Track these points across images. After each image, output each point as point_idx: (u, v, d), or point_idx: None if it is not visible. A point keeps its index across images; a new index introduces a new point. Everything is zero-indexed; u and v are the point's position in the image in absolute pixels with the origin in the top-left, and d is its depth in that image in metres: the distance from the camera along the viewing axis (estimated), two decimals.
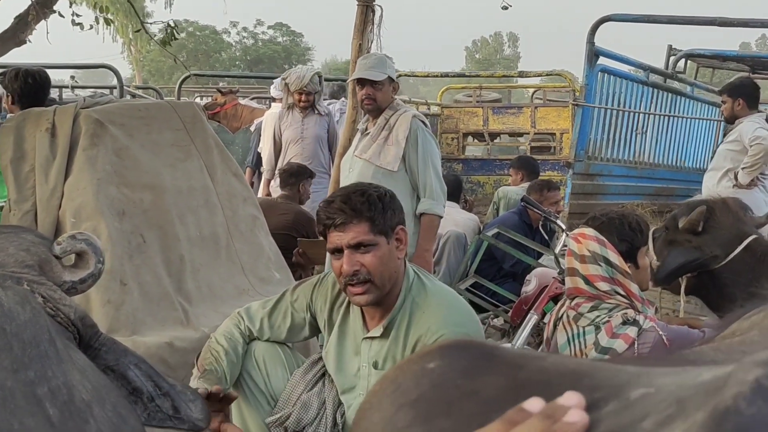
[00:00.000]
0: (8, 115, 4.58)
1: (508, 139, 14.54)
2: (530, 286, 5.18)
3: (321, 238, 5.58)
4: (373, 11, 6.03)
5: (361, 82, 4.91)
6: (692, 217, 3.97)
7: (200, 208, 4.07)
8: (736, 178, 6.23)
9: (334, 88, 9.99)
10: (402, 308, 2.87)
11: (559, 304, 3.49)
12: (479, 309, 5.73)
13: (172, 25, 5.78)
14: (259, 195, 7.37)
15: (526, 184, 7.32)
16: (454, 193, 7.01)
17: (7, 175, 3.79)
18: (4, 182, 3.88)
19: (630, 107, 9.69)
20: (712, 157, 7.27)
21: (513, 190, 7.59)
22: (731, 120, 6.58)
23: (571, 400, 0.78)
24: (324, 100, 8.76)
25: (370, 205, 2.76)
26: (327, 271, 3.18)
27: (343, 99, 8.69)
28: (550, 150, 12.49)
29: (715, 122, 11.12)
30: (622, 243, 3.20)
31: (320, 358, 3.12)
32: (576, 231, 3.32)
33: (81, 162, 3.74)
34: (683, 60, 10.96)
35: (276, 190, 6.97)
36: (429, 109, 13.19)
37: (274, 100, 8.88)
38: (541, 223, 6.26)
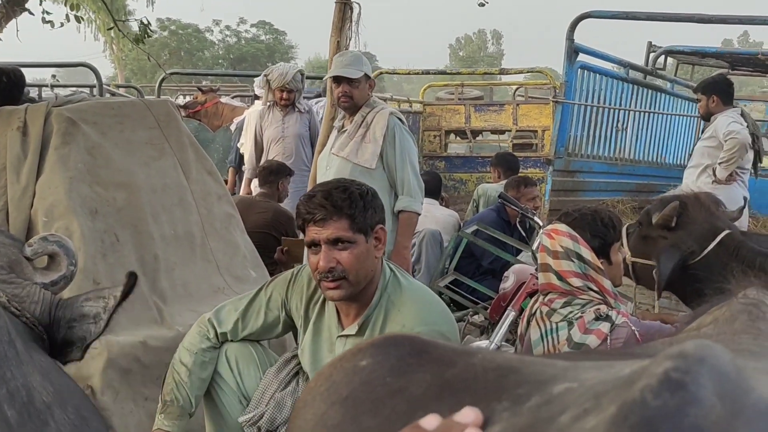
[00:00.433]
0: None
1: (491, 137, 14.58)
2: (508, 283, 5.18)
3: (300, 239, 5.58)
4: (351, 9, 6.01)
5: (338, 79, 4.90)
6: (665, 212, 3.98)
7: (174, 206, 4.04)
8: (714, 174, 6.26)
9: (324, 87, 9.96)
10: (378, 306, 2.86)
11: (533, 299, 3.48)
12: (459, 306, 5.73)
13: (146, 22, 5.73)
14: (241, 194, 7.34)
15: (505, 181, 7.31)
16: (434, 190, 7.01)
17: None
18: None
19: (610, 104, 9.72)
20: (691, 153, 7.30)
21: (492, 187, 7.59)
22: (707, 117, 6.63)
23: (468, 417, 0.78)
24: (312, 98, 8.73)
25: (352, 203, 2.74)
26: (300, 266, 3.15)
27: None
28: (532, 147, 12.51)
29: (695, 118, 11.19)
30: (595, 239, 3.20)
31: (294, 357, 3.10)
32: (549, 227, 3.32)
33: (53, 161, 3.71)
34: (663, 56, 11.01)
35: (257, 189, 6.94)
36: (411, 106, 13.17)
37: (257, 97, 8.82)
38: (518, 219, 6.27)
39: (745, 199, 5.66)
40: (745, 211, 5.41)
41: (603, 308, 3.10)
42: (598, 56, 9.32)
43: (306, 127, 7.24)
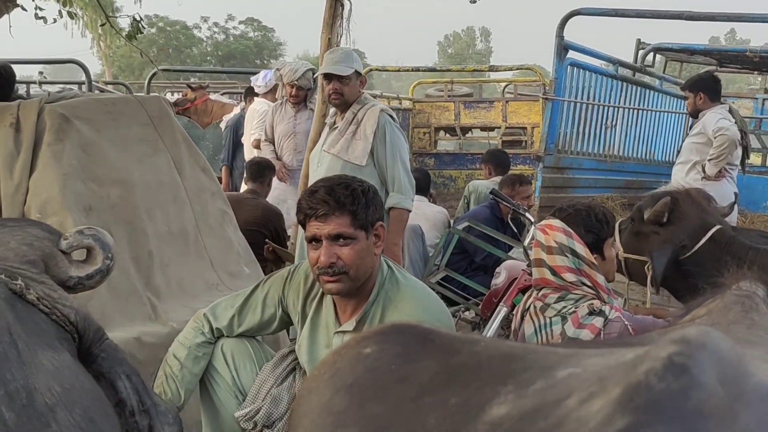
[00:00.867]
0: None
1: (480, 134, 14.61)
2: (500, 279, 5.19)
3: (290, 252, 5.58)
4: (342, 5, 6.01)
5: (328, 76, 4.91)
6: (657, 208, 4.01)
7: (168, 203, 4.05)
8: (703, 170, 6.30)
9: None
10: (375, 302, 2.87)
11: (527, 295, 3.51)
12: (450, 302, 5.75)
13: (138, 18, 5.72)
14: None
15: (496, 178, 7.33)
16: (424, 187, 7.02)
17: None
18: None
19: (599, 101, 9.76)
20: (680, 150, 7.35)
21: (483, 184, 7.60)
22: (695, 114, 6.68)
23: None
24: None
25: (354, 199, 2.76)
26: (297, 263, 3.17)
27: None
28: (521, 144, 12.55)
29: (683, 115, 11.24)
30: (589, 234, 3.23)
31: (290, 352, 3.11)
32: (543, 222, 3.34)
33: (46, 157, 3.70)
34: (652, 54, 11.06)
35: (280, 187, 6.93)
36: (401, 103, 13.19)
37: (256, 94, 8.77)
38: (510, 216, 6.29)
39: (735, 195, 5.70)
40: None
41: (596, 303, 3.13)
42: (588, 53, 9.36)
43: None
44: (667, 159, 11.55)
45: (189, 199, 4.17)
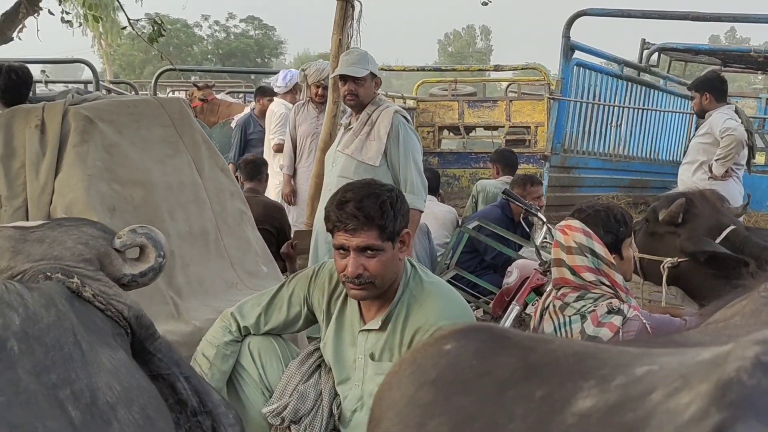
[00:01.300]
0: None
1: (484, 133, 14.65)
2: (511, 278, 5.26)
3: (308, 229, 5.63)
4: (353, 6, 6.06)
5: (344, 78, 4.97)
6: (672, 209, 4.08)
7: (189, 203, 4.10)
8: (710, 170, 6.36)
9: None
10: (400, 302, 2.93)
11: (545, 293, 3.57)
12: None
13: (159, 21, 5.79)
14: (282, 191, 7.36)
15: (504, 178, 7.39)
16: (434, 187, 7.07)
17: None
18: None
19: (605, 101, 9.83)
20: (685, 150, 7.41)
21: (491, 183, 7.66)
22: (701, 114, 6.72)
23: None
24: None
25: (383, 213, 2.79)
26: (321, 263, 3.23)
27: None
28: (525, 143, 12.59)
29: (687, 115, 11.31)
30: (608, 235, 3.29)
31: (316, 350, 3.18)
32: (562, 223, 3.40)
33: (71, 158, 3.76)
34: (656, 54, 11.13)
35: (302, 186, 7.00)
36: (405, 102, 13.24)
37: (274, 94, 8.79)
38: (522, 216, 6.36)
39: (749, 195, 5.76)
40: None
41: (615, 302, 3.19)
42: (594, 53, 9.43)
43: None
44: (671, 158, 11.63)
45: (209, 199, 4.22)
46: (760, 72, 13.56)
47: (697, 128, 7.71)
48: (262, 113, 8.91)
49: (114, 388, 1.63)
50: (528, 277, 4.99)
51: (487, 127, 13.83)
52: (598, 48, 9.54)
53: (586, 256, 3.25)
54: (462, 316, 2.93)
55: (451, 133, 13.78)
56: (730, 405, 0.73)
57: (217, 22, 56.41)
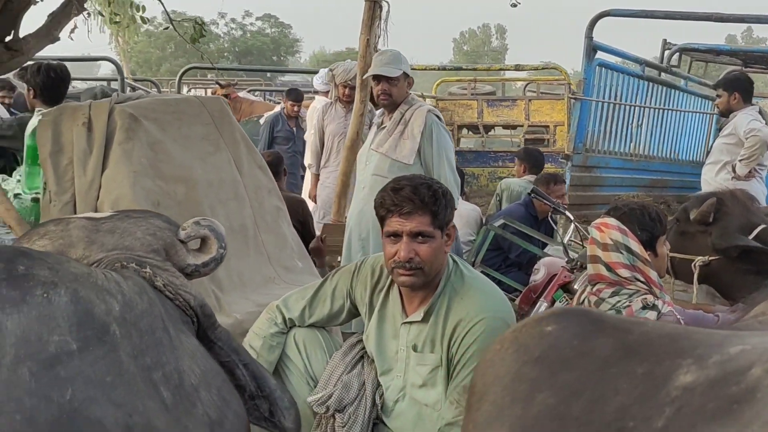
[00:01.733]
0: (37, 110, 4.70)
1: (503, 132, 14.71)
2: (539, 275, 5.34)
3: (338, 223, 5.70)
4: (381, 7, 6.14)
5: (377, 77, 5.06)
6: (703, 208, 4.16)
7: (230, 200, 4.21)
8: (734, 170, 6.41)
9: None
10: (442, 294, 3.03)
11: (580, 290, 3.65)
12: None
13: (200, 22, 5.90)
14: (308, 191, 7.51)
15: (528, 177, 7.45)
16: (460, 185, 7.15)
17: (46, 167, 3.92)
18: (42, 174, 4.01)
19: (626, 101, 9.87)
20: (706, 150, 7.45)
21: (515, 181, 7.73)
22: (726, 113, 6.75)
23: None
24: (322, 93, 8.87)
25: (436, 200, 2.92)
26: (362, 258, 3.34)
27: None
28: (543, 142, 12.65)
29: (708, 115, 11.33)
30: (643, 232, 3.38)
31: (358, 342, 3.28)
32: (598, 221, 3.48)
33: (117, 155, 3.87)
34: (678, 54, 11.16)
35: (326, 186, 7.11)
36: (424, 101, 13.29)
37: (316, 92, 8.96)
38: (549, 214, 6.43)
39: (764, 194, 5.81)
40: None
41: (650, 298, 3.28)
42: (616, 54, 9.48)
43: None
44: (691, 158, 11.65)
45: (248, 196, 4.33)
46: None
47: (718, 128, 7.75)
48: (288, 114, 9.43)
49: (195, 372, 1.72)
50: (555, 275, 5.07)
51: (505, 126, 13.89)
52: (619, 48, 9.59)
53: (621, 253, 3.33)
54: (502, 309, 3.03)
55: (470, 132, 13.84)
56: None
57: (233, 20, 56.64)
